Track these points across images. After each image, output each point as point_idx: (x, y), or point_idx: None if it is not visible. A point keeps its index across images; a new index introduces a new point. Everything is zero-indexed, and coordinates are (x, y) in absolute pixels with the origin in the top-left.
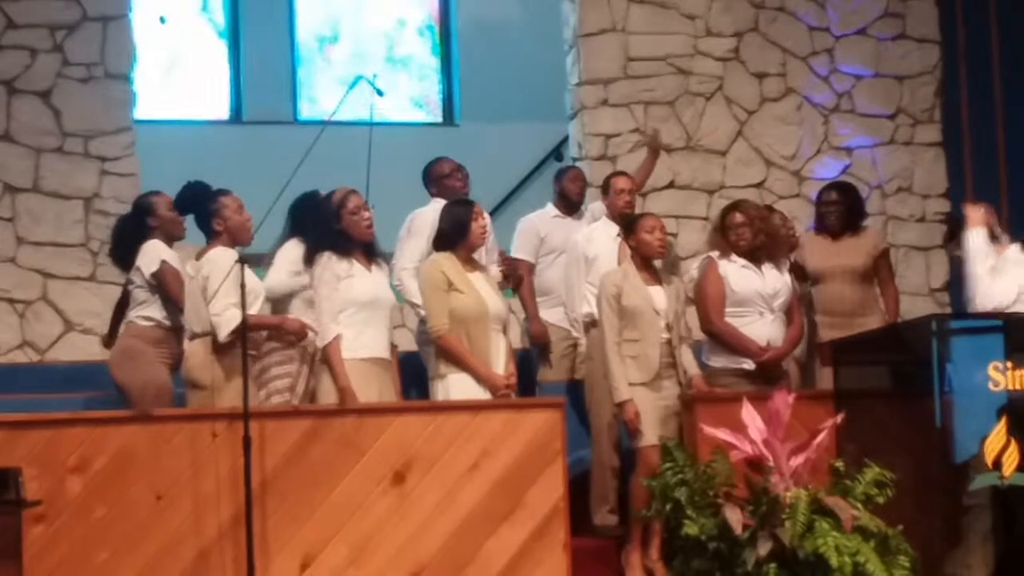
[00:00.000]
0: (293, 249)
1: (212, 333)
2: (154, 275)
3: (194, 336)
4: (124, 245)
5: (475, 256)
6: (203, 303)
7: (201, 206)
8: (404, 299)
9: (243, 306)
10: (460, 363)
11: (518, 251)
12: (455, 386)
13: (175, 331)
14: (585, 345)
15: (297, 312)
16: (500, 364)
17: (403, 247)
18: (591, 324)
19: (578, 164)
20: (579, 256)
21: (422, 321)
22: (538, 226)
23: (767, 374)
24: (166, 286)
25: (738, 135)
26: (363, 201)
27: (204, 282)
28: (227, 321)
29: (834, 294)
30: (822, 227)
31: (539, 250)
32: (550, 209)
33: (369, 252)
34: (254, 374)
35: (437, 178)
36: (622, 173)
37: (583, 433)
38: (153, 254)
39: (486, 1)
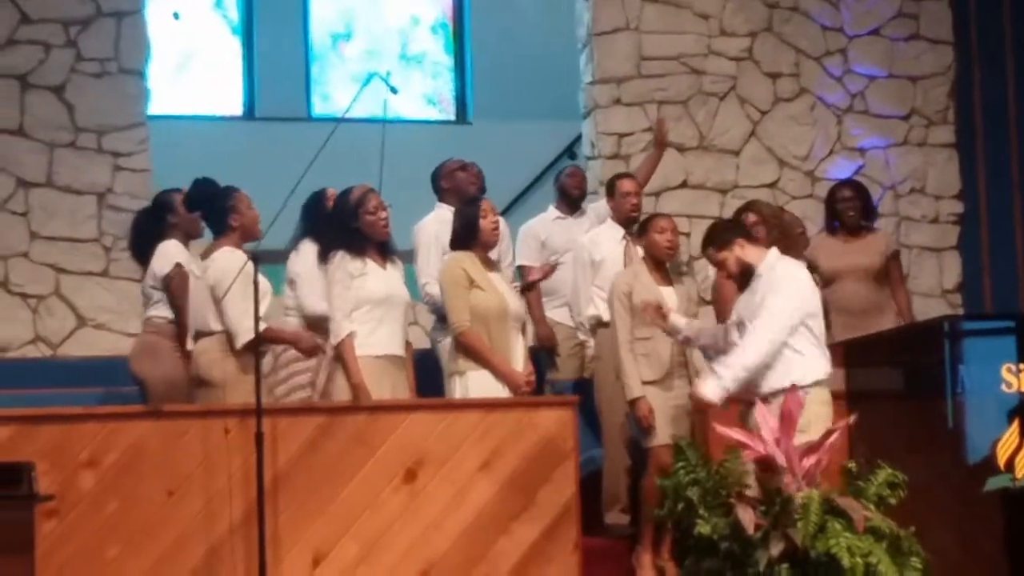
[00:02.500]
0: (313, 260)
1: (224, 332)
2: (165, 278)
3: (200, 335)
4: (143, 241)
5: (491, 255)
6: (211, 304)
7: (214, 203)
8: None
9: (255, 306)
10: (481, 360)
11: (521, 258)
12: (474, 383)
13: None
14: (593, 346)
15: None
16: (519, 362)
17: (418, 264)
18: (598, 326)
19: (591, 163)
20: (585, 259)
21: (440, 318)
22: (537, 231)
23: None
24: (172, 291)
25: (751, 135)
26: (381, 200)
27: (213, 283)
28: (247, 331)
29: (848, 293)
30: (836, 225)
31: (541, 254)
32: (551, 212)
33: (384, 250)
34: (271, 367)
35: (447, 174)
36: (627, 175)
37: (590, 432)
38: (168, 256)
39: None
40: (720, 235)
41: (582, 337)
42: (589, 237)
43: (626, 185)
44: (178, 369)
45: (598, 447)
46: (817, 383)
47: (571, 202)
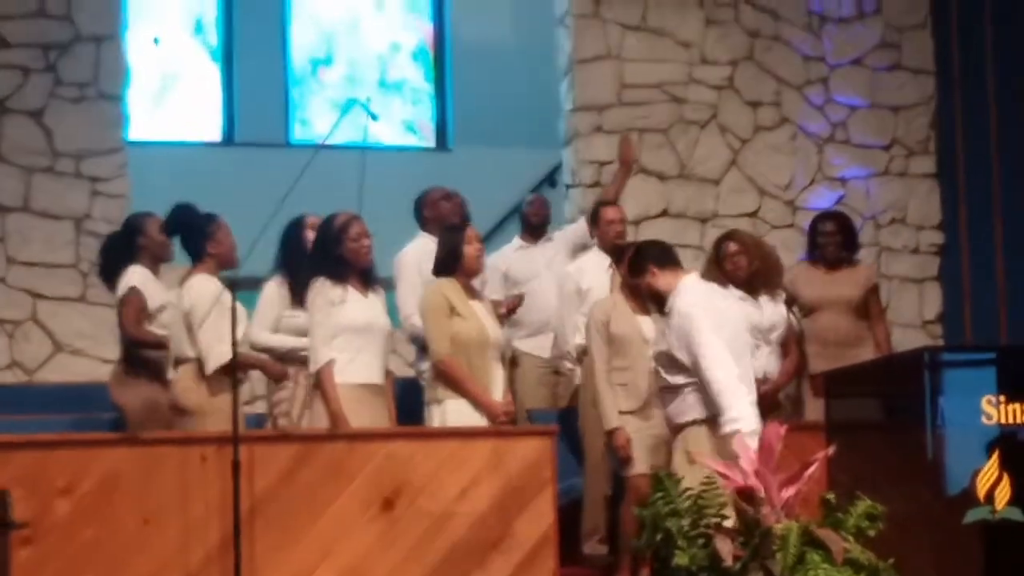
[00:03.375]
0: (274, 297)
1: (197, 360)
2: (118, 301)
3: (177, 362)
4: (111, 263)
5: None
6: (184, 331)
7: (193, 228)
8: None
9: (233, 331)
10: (459, 388)
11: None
12: (452, 411)
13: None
14: (580, 376)
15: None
16: (499, 391)
17: (400, 295)
18: (584, 354)
19: (571, 191)
20: (571, 288)
21: (422, 349)
22: (498, 263)
23: (762, 406)
24: (121, 314)
25: (732, 164)
26: (365, 228)
27: (187, 310)
28: (217, 356)
29: (828, 324)
30: (817, 257)
31: (504, 286)
32: (514, 242)
33: (366, 278)
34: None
35: (430, 203)
36: (611, 203)
37: (570, 461)
38: (126, 281)
39: (480, 26)
40: (633, 262)
41: (569, 366)
42: (576, 266)
43: (610, 213)
44: (156, 393)
45: (579, 475)
46: None
47: (532, 230)
